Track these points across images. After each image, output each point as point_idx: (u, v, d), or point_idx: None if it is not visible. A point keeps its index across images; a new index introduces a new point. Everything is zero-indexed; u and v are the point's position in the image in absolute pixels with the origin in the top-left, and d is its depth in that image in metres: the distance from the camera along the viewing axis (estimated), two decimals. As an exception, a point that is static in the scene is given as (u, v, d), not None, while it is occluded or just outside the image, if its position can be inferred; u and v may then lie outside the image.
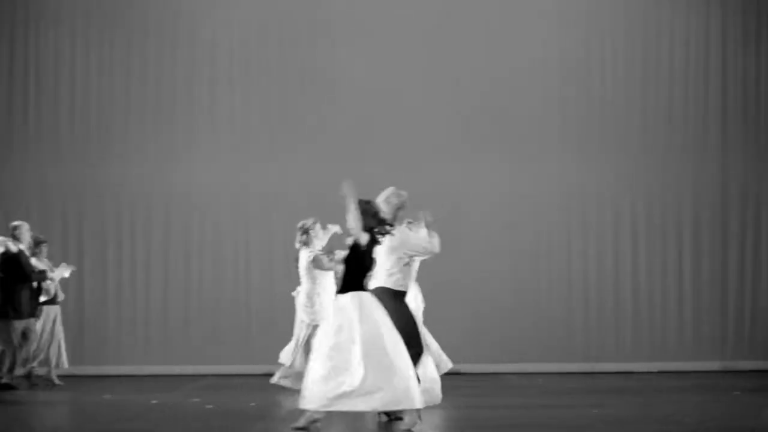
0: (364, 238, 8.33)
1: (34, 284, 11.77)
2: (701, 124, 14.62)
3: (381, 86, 14.33)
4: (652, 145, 14.53)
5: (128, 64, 14.37)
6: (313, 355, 8.23)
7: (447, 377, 11.88)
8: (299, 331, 11.14)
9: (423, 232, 8.96)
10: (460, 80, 14.38)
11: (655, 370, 13.98)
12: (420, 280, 13.26)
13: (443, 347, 11.48)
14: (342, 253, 8.55)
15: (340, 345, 8.08)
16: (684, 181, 14.50)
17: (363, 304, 8.22)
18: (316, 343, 8.36)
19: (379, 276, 8.90)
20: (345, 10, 14.48)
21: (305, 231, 11.04)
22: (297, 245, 11.20)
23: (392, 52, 14.35)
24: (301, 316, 11.17)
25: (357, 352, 8.01)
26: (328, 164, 14.18)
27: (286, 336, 12.16)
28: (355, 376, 7.97)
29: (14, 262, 11.52)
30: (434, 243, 8.93)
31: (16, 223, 11.89)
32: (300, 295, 11.17)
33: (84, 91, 14.37)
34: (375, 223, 8.45)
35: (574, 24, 14.57)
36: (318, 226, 11.09)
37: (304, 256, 11.03)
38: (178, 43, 14.45)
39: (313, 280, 10.98)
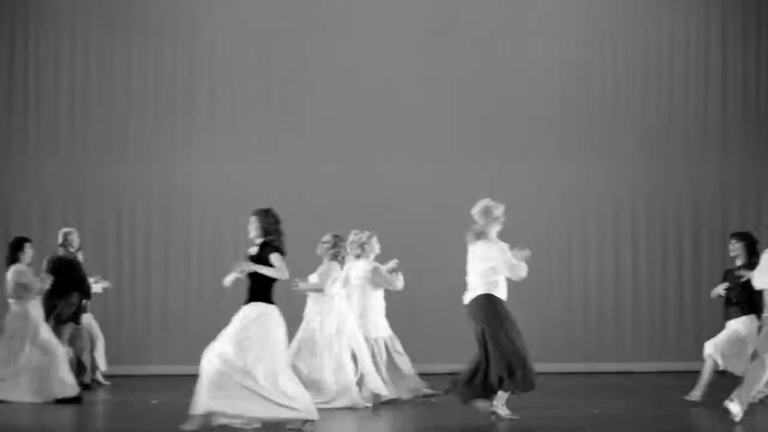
0: (275, 256, 8.34)
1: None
2: (701, 124, 14.62)
3: (381, 86, 14.33)
4: (652, 145, 14.53)
5: (128, 64, 14.37)
6: None
7: (448, 377, 11.87)
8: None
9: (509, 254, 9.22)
10: (460, 80, 14.38)
11: (655, 370, 13.98)
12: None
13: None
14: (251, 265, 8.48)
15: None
16: (684, 181, 14.50)
17: (265, 316, 8.28)
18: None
19: (479, 285, 8.99)
20: (345, 10, 14.48)
21: (361, 245, 10.87)
22: (348, 258, 11.05)
23: (392, 51, 14.35)
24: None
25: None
26: (328, 164, 14.19)
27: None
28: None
29: (67, 268, 11.55)
30: (519, 269, 9.16)
31: (67, 229, 11.92)
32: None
33: (84, 91, 14.37)
34: (276, 235, 8.44)
35: (574, 24, 14.57)
36: (374, 239, 10.94)
37: (361, 268, 10.85)
38: (178, 43, 14.45)
39: (367, 295, 10.82)
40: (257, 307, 8.33)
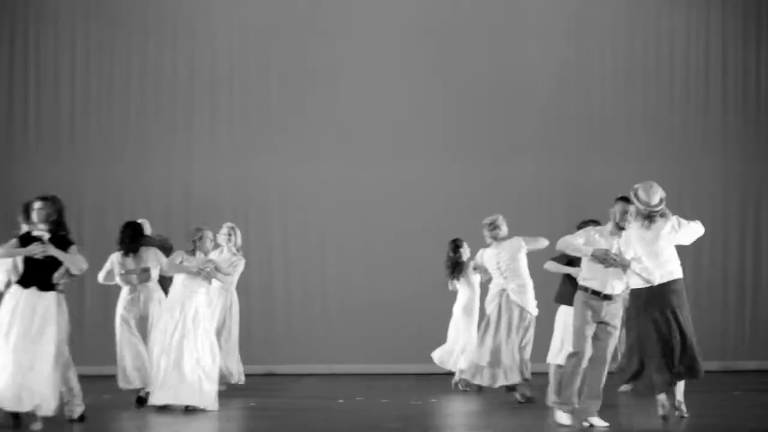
0: (73, 248, 8.46)
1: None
2: (701, 124, 14.62)
3: (382, 86, 14.32)
4: (652, 145, 14.52)
5: (128, 64, 14.37)
6: None
7: (447, 377, 11.90)
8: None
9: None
10: (460, 80, 14.38)
11: (655, 369, 13.94)
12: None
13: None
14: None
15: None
16: (684, 181, 14.49)
17: (32, 301, 8.34)
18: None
19: (670, 266, 8.80)
20: (345, 10, 14.48)
21: (495, 227, 10.70)
22: (488, 240, 10.78)
23: (392, 52, 14.35)
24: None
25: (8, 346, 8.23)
26: (328, 164, 14.20)
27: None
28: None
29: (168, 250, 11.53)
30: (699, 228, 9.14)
31: (140, 220, 11.80)
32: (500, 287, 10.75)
33: (84, 91, 14.37)
34: (62, 224, 8.53)
35: (573, 24, 14.56)
36: (504, 221, 10.75)
37: (510, 248, 10.62)
38: (178, 43, 14.45)
39: (521, 273, 10.61)
40: (28, 294, 8.37)
